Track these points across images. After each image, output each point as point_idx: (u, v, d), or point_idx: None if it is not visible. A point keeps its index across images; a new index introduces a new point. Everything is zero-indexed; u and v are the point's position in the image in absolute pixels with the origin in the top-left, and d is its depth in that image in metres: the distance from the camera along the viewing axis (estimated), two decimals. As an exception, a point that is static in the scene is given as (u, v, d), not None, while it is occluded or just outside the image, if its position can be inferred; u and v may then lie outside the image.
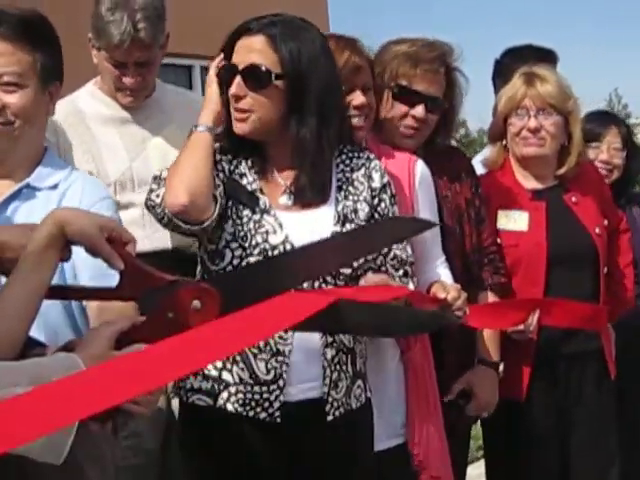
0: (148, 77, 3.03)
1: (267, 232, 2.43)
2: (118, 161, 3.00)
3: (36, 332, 1.99)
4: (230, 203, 2.45)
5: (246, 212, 2.44)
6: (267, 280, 1.95)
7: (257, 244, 2.41)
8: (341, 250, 2.14)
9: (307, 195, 2.48)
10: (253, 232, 2.43)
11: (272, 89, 2.38)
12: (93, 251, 1.87)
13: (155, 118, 3.12)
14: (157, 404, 1.89)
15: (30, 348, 1.88)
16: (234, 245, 2.43)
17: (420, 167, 2.82)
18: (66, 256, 1.91)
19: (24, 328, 1.84)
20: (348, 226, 2.48)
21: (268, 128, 2.43)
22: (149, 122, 3.09)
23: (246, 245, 2.41)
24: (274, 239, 2.42)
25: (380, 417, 2.65)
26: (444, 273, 2.81)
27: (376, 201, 2.55)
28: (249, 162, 2.51)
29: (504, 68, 3.97)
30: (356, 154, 2.58)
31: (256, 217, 2.43)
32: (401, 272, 2.58)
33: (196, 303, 1.79)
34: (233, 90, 2.39)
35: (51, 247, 1.85)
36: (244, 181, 2.49)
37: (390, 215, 2.56)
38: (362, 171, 2.56)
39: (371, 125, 2.81)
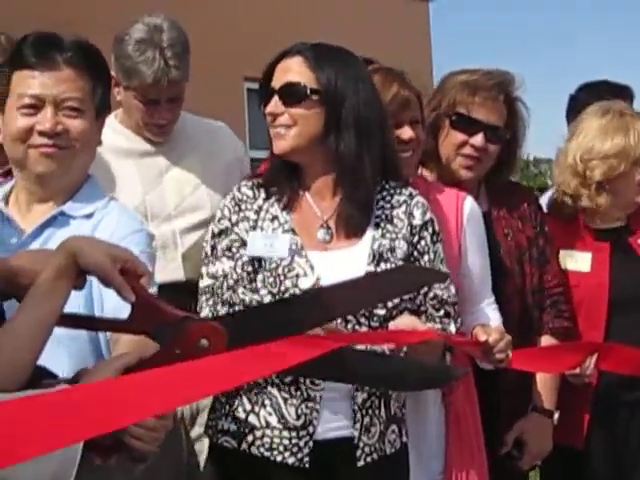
0: (177, 111, 3.06)
1: (297, 275, 2.41)
2: (132, 194, 2.99)
3: (63, 362, 2.03)
4: (256, 253, 2.44)
5: (274, 257, 2.42)
6: (276, 322, 1.94)
7: (287, 289, 2.39)
8: (350, 297, 2.09)
9: (345, 228, 2.45)
10: (282, 277, 2.42)
11: (309, 103, 2.40)
12: (105, 282, 1.87)
13: (174, 150, 3.14)
14: (159, 441, 1.84)
15: (41, 378, 1.89)
16: (264, 292, 2.41)
17: (469, 204, 2.77)
18: (80, 285, 1.91)
19: (30, 358, 1.84)
20: (383, 265, 2.44)
21: (308, 144, 2.43)
22: (168, 155, 3.10)
23: (275, 291, 2.39)
24: (304, 283, 2.40)
25: (418, 463, 2.60)
26: (492, 315, 2.75)
27: (416, 239, 2.50)
28: (284, 200, 2.48)
29: (579, 104, 3.88)
30: (398, 190, 2.55)
31: (286, 261, 2.42)
32: (442, 312, 2.52)
33: (203, 342, 1.80)
34: (270, 108, 2.42)
35: (62, 276, 1.85)
36: (275, 224, 2.47)
37: (431, 253, 2.51)
38: (403, 208, 2.52)
39: (419, 160, 2.79)
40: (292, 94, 2.41)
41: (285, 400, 2.38)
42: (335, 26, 9.43)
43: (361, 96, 2.44)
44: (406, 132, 2.64)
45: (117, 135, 3.15)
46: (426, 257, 2.50)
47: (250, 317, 2.08)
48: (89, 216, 2.37)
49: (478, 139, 2.83)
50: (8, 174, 2.85)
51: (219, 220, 2.53)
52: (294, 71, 2.43)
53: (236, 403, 2.47)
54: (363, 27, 9.48)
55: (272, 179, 2.51)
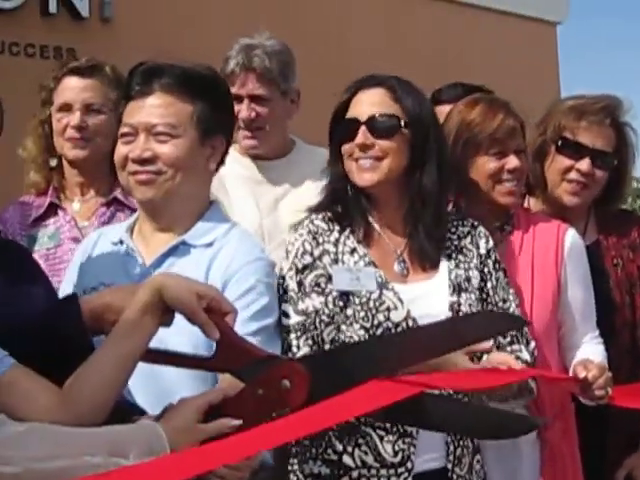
0: (263, 115, 3.07)
1: (388, 309, 2.41)
2: (250, 218, 3.00)
3: (186, 383, 2.06)
4: (345, 287, 2.44)
5: (363, 291, 2.42)
6: (357, 365, 1.92)
7: (380, 323, 2.39)
8: (430, 342, 2.08)
9: (421, 261, 2.46)
10: (374, 311, 2.41)
11: (399, 137, 2.41)
12: (190, 318, 1.88)
13: (289, 178, 3.15)
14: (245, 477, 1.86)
15: (131, 414, 1.94)
16: (356, 326, 2.41)
17: (570, 236, 2.72)
18: (167, 322, 1.92)
19: (111, 393, 1.86)
20: (464, 295, 2.45)
21: (394, 177, 2.44)
22: (282, 184, 3.12)
23: (368, 326, 2.39)
24: (396, 316, 2.40)
25: None
26: (595, 350, 2.67)
27: (483, 267, 2.51)
28: (359, 233, 2.48)
29: None
30: (461, 222, 2.56)
31: (375, 295, 2.42)
32: (509, 339, 2.48)
33: (285, 382, 1.79)
34: (360, 139, 2.41)
35: (147, 313, 1.87)
36: (355, 257, 2.48)
37: (493, 280, 2.50)
38: (469, 239, 2.53)
39: (522, 189, 2.77)
40: (383, 126, 2.41)
41: (381, 438, 2.37)
42: (461, 51, 9.37)
43: (439, 129, 2.48)
44: (512, 161, 2.64)
45: (234, 163, 3.20)
46: (489, 284, 2.50)
47: (332, 358, 2.08)
48: (209, 245, 2.37)
49: (584, 164, 2.78)
50: (111, 204, 2.97)
51: (302, 255, 2.50)
52: (380, 103, 2.43)
53: (324, 445, 2.44)
54: (491, 53, 9.25)
55: (346, 211, 2.51)
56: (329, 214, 2.53)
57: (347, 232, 2.50)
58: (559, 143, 2.84)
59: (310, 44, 7.23)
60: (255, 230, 3.00)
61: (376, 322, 2.40)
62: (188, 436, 1.75)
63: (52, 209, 3.06)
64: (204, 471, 1.63)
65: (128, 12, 7.04)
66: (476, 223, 2.59)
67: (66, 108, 2.97)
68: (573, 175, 2.82)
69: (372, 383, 1.80)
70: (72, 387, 1.84)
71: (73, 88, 2.97)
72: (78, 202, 3.05)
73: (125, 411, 1.93)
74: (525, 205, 2.99)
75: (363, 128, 2.43)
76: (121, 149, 2.36)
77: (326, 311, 2.44)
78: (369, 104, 2.46)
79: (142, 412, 2.00)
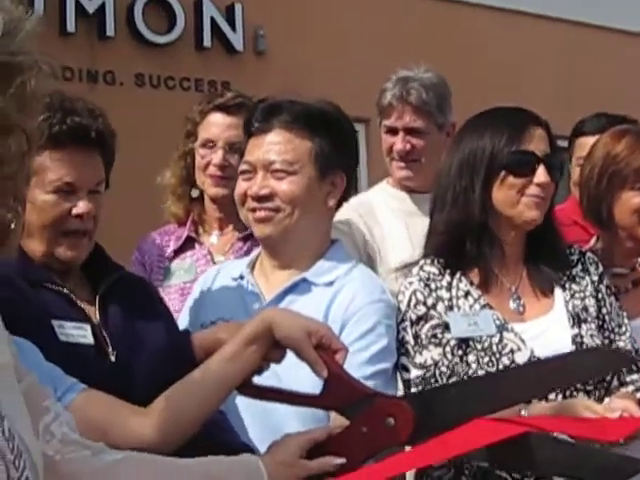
0: (418, 148, 3.10)
1: (512, 351, 2.38)
2: (401, 249, 2.99)
3: (291, 424, 2.09)
4: (463, 334, 2.43)
5: (482, 336, 2.40)
6: (460, 403, 1.92)
7: (505, 367, 2.38)
8: (538, 379, 2.04)
9: (536, 296, 2.43)
10: (498, 355, 2.39)
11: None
12: (299, 355, 1.88)
13: None
14: None
15: (236, 449, 1.96)
16: (481, 373, 2.38)
17: None
18: (277, 358, 1.93)
19: (195, 416, 1.88)
20: (584, 326, 2.41)
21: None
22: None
23: (494, 370, 2.38)
24: (520, 357, 2.37)
25: None
26: None
27: (597, 294, 2.48)
28: (471, 273, 2.45)
29: None
30: (569, 250, 2.54)
31: (495, 339, 2.39)
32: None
33: (390, 420, 1.79)
34: (542, 179, 2.39)
35: (252, 344, 1.88)
36: (470, 300, 2.45)
37: (608, 306, 2.47)
38: (580, 266, 2.51)
39: None
40: (561, 168, 2.45)
41: None
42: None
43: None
44: None
45: (386, 195, 3.27)
46: (604, 310, 2.48)
47: (437, 396, 2.07)
48: (330, 284, 2.39)
49: None
50: (248, 239, 3.00)
51: (415, 305, 2.47)
52: (548, 142, 2.44)
53: None
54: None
55: (467, 254, 2.46)
56: (440, 259, 2.50)
57: (459, 275, 2.48)
58: None
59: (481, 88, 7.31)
60: (407, 261, 3.03)
61: (501, 366, 2.38)
62: (290, 471, 1.75)
63: (190, 242, 3.14)
64: None
65: (280, 45, 7.23)
66: (583, 249, 2.58)
67: (210, 145, 3.04)
68: None
69: (476, 422, 1.80)
70: (166, 406, 1.88)
71: (218, 125, 3.05)
72: (216, 236, 3.12)
73: (236, 450, 1.96)
74: None
75: (542, 167, 2.40)
76: (241, 185, 2.41)
77: (445, 362, 2.42)
78: (544, 140, 2.42)
79: (253, 451, 2.02)
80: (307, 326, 1.88)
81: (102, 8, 6.86)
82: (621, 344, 2.48)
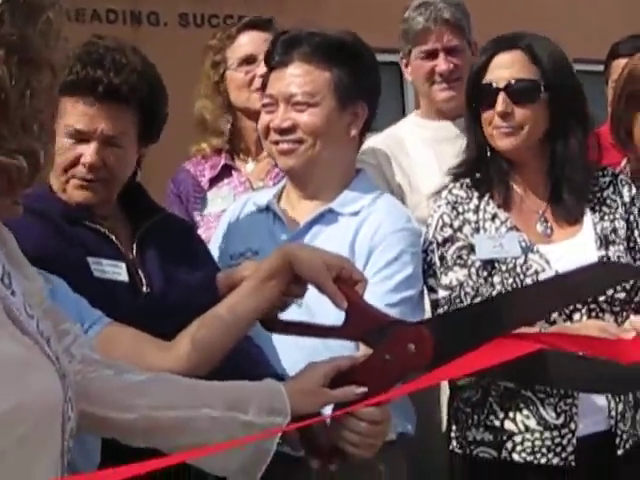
0: (460, 66, 3.12)
1: (536, 272, 2.45)
2: (432, 177, 3.00)
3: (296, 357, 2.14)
4: (489, 256, 2.46)
5: (508, 258, 2.44)
6: (480, 323, 1.95)
7: (517, 287, 2.44)
8: (550, 296, 2.06)
9: (565, 218, 2.48)
10: (522, 276, 2.45)
11: (540, 102, 2.44)
12: (319, 288, 1.92)
13: None
14: (375, 448, 1.87)
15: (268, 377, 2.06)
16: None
17: None
18: (300, 294, 1.98)
19: (220, 349, 1.95)
20: (612, 248, 2.48)
21: (535, 142, 2.48)
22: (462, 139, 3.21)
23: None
24: (544, 278, 2.44)
25: None
26: None
27: (629, 216, 2.52)
28: (499, 197, 2.50)
29: None
30: (602, 172, 2.57)
31: (521, 260, 2.45)
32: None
33: (411, 346, 1.81)
34: (500, 108, 2.44)
35: (272, 279, 1.92)
36: (497, 223, 2.51)
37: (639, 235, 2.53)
38: (611, 189, 2.55)
39: None
40: (523, 93, 2.44)
41: (542, 401, 2.42)
42: None
43: (579, 91, 2.47)
44: None
45: (415, 127, 3.31)
46: (636, 232, 2.52)
47: (455, 319, 2.11)
48: (356, 213, 2.45)
49: None
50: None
51: (441, 228, 2.56)
52: (518, 65, 2.45)
53: (486, 412, 2.51)
54: None
55: (486, 177, 2.53)
56: (468, 181, 2.57)
57: (487, 198, 2.54)
58: None
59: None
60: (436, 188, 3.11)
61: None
62: (312, 399, 1.79)
63: (226, 170, 3.18)
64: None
65: None
66: (616, 171, 2.60)
67: (250, 60, 3.07)
68: None
69: (495, 341, 1.84)
70: (188, 341, 1.94)
71: (255, 40, 3.09)
72: (252, 162, 3.16)
73: (264, 373, 2.01)
74: None
75: (502, 95, 2.45)
76: (264, 118, 2.46)
77: (470, 283, 2.49)
78: (506, 67, 2.47)
79: (279, 376, 2.08)
80: (326, 260, 1.92)
81: None
82: None
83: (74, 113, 2.21)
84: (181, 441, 1.69)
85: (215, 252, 2.54)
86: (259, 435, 1.68)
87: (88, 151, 2.22)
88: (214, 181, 3.17)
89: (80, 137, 2.22)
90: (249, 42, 3.09)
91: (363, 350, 1.94)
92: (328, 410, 1.82)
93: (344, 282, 1.89)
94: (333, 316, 1.95)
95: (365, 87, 2.47)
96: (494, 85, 2.48)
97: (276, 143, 2.42)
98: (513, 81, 2.46)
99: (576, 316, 2.42)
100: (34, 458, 1.42)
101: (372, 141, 3.25)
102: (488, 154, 2.54)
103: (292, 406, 1.73)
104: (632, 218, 2.55)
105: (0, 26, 1.39)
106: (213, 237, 2.69)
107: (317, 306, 2.03)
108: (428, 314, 2.57)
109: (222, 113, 3.23)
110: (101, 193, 2.29)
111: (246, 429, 1.69)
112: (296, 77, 2.39)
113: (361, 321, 1.89)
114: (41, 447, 1.43)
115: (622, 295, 2.43)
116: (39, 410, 1.41)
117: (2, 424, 1.36)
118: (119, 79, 2.23)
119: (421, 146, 3.22)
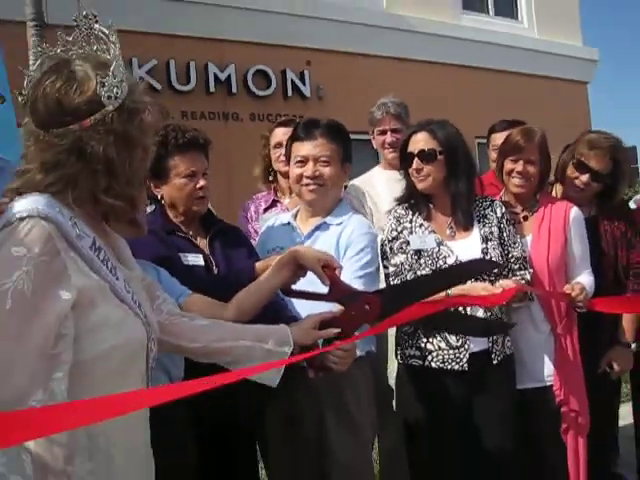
0: (399, 139, 3.30)
1: (445, 257, 2.61)
2: (388, 203, 3.10)
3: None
4: (417, 247, 2.66)
5: (428, 249, 2.64)
6: (410, 292, 2.12)
7: (441, 266, 2.59)
8: (443, 279, 2.30)
9: (462, 226, 2.69)
10: (436, 259, 2.62)
11: (438, 162, 2.65)
12: (313, 272, 2.01)
13: None
14: (347, 365, 2.04)
15: (288, 319, 2.09)
16: (427, 270, 2.61)
17: (574, 211, 2.92)
18: (303, 274, 2.07)
19: (258, 306, 2.07)
20: (490, 243, 2.63)
21: (438, 184, 2.68)
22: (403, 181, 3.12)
23: (434, 268, 2.61)
24: (450, 261, 2.60)
25: (533, 368, 2.78)
26: (585, 279, 2.84)
27: (500, 224, 2.74)
28: (424, 214, 2.71)
29: None
30: (484, 199, 2.77)
31: (435, 250, 2.62)
32: (517, 266, 2.71)
33: (367, 307, 1.93)
34: (415, 166, 2.66)
35: (284, 267, 2.04)
36: (422, 228, 2.70)
37: (507, 231, 2.72)
38: (490, 208, 2.73)
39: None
40: (427, 156, 2.66)
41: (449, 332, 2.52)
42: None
43: (465, 153, 2.70)
44: (519, 166, 2.90)
45: (380, 174, 3.67)
46: (505, 234, 2.72)
47: (394, 290, 2.28)
48: (339, 224, 2.54)
49: (584, 177, 3.06)
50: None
51: (390, 232, 2.73)
52: (424, 142, 2.67)
53: (416, 338, 2.67)
54: (529, 107, 8.46)
55: (416, 203, 2.76)
56: (406, 205, 2.77)
57: (417, 215, 2.72)
58: (574, 161, 3.07)
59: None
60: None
61: (438, 265, 2.59)
62: (307, 335, 1.88)
63: (274, 203, 3.41)
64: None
65: (335, 93, 7.75)
66: (492, 198, 2.77)
67: (279, 145, 3.33)
68: (577, 182, 3.08)
69: (417, 305, 2.00)
70: (237, 300, 2.08)
71: (284, 133, 3.26)
72: (288, 198, 3.36)
73: (289, 318, 2.19)
74: (553, 192, 3.20)
75: (416, 159, 2.66)
76: (295, 171, 2.56)
77: (406, 264, 2.65)
78: (417, 142, 2.69)
79: (296, 318, 2.19)
80: (316, 255, 2.03)
81: (228, 79, 7.45)
82: (515, 253, 2.70)
83: (186, 161, 2.40)
84: (228, 359, 1.78)
85: (259, 247, 2.70)
86: (280, 362, 1.79)
87: (201, 182, 2.42)
88: (266, 209, 3.44)
89: (192, 174, 2.42)
90: (280, 134, 3.36)
91: (339, 308, 1.99)
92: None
93: (328, 267, 2.00)
94: (322, 289, 2.03)
95: (350, 154, 2.64)
96: (411, 152, 2.70)
97: (307, 185, 2.52)
98: (421, 150, 2.67)
99: (468, 282, 2.61)
100: (127, 373, 1.52)
101: (354, 182, 3.59)
102: (416, 191, 2.70)
103: (296, 339, 1.84)
104: (502, 226, 2.73)
105: (111, 123, 1.48)
106: (258, 239, 2.83)
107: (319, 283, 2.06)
108: (382, 283, 2.70)
109: (266, 172, 3.54)
110: (206, 205, 2.49)
111: (267, 353, 1.79)
112: (321, 145, 2.51)
113: (338, 291, 1.99)
114: (131, 367, 1.53)
115: (495, 270, 2.65)
116: (128, 347, 1.51)
117: (107, 356, 1.47)
118: (203, 137, 2.45)
119: (382, 185, 3.48)
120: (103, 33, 1.57)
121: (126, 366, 1.49)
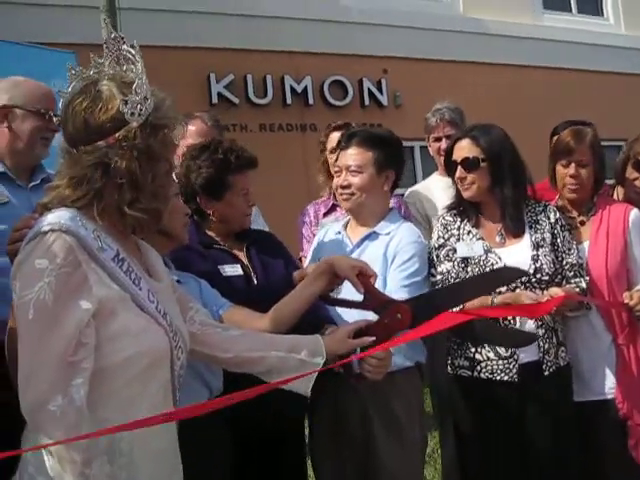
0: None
1: (492, 264, 2.55)
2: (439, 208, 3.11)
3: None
4: (464, 255, 2.62)
5: (475, 256, 2.59)
6: (439, 301, 2.09)
7: (467, 277, 2.54)
8: (472, 287, 2.25)
9: (511, 233, 2.62)
10: (483, 267, 2.56)
11: (481, 169, 2.61)
12: (348, 280, 2.02)
13: None
14: (382, 374, 2.03)
15: (325, 323, 2.17)
16: None
17: (633, 213, 2.80)
18: (339, 283, 2.09)
19: (295, 315, 2.08)
20: (540, 250, 2.56)
21: (482, 193, 2.64)
22: None
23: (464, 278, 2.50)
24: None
25: (593, 380, 2.69)
26: None
27: (553, 230, 2.65)
28: (472, 221, 2.68)
29: None
30: (537, 204, 2.69)
31: (483, 257, 2.59)
32: (572, 273, 2.61)
33: (398, 315, 1.93)
34: (458, 174, 2.64)
35: (320, 275, 2.08)
36: (470, 235, 2.65)
37: (561, 236, 2.64)
38: (542, 214, 2.65)
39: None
40: (469, 165, 2.63)
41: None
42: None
43: (510, 156, 2.65)
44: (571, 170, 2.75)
45: (437, 181, 3.60)
46: (558, 240, 2.62)
47: (425, 298, 2.24)
48: (388, 234, 2.55)
49: None
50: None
51: (437, 239, 2.70)
52: (467, 149, 2.63)
53: (464, 348, 2.62)
54: (617, 106, 8.23)
55: (464, 210, 2.72)
56: (454, 212, 2.75)
57: (465, 221, 2.69)
58: (632, 161, 2.95)
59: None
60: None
61: None
62: (342, 344, 1.89)
63: (333, 208, 3.45)
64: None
65: (413, 100, 7.61)
66: (547, 203, 2.69)
67: (334, 151, 3.30)
68: (638, 183, 2.94)
69: (446, 314, 1.97)
70: (275, 311, 2.08)
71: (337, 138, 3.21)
72: None
73: (324, 320, 2.23)
74: (615, 195, 3.07)
75: (459, 167, 2.63)
76: (335, 180, 2.65)
77: (453, 272, 2.62)
78: (460, 150, 2.66)
79: (334, 322, 2.24)
80: (351, 263, 2.05)
81: (305, 90, 7.54)
82: (570, 259, 2.61)
83: (243, 180, 2.48)
84: (260, 369, 1.80)
85: (310, 257, 2.74)
86: (312, 371, 1.79)
87: (251, 199, 2.51)
88: (326, 214, 3.50)
89: (247, 192, 2.50)
90: (335, 139, 3.35)
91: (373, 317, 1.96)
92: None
93: (364, 276, 2.00)
94: (357, 297, 2.05)
95: (393, 161, 2.63)
96: (455, 160, 2.68)
97: (341, 195, 2.59)
98: (463, 158, 2.63)
99: (517, 290, 2.54)
100: (148, 381, 1.55)
101: (414, 188, 3.59)
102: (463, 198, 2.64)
103: (329, 349, 1.84)
104: (556, 232, 2.65)
105: (134, 139, 1.52)
106: (311, 250, 2.85)
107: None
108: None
109: (327, 178, 3.54)
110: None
111: (300, 364, 1.79)
112: (352, 155, 2.55)
113: (372, 299, 1.99)
114: (152, 375, 1.56)
115: (546, 278, 2.56)
116: (148, 355, 1.53)
117: (128, 363, 1.50)
118: (254, 158, 2.50)
119: (439, 192, 3.43)
120: (130, 53, 1.63)
121: (147, 374, 1.52)
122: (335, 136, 3.37)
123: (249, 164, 2.43)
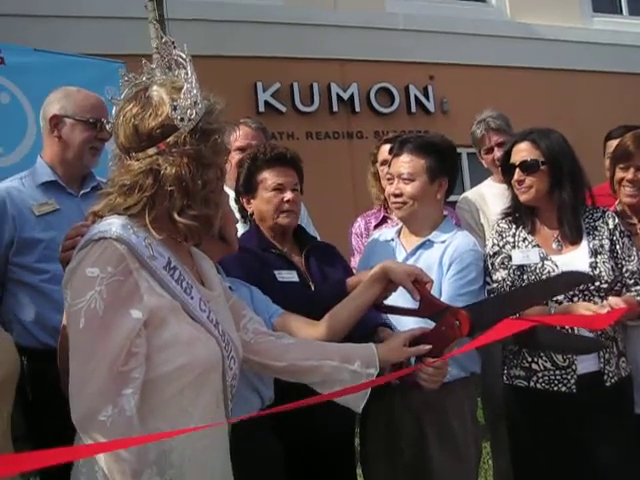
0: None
1: (549, 272, 2.48)
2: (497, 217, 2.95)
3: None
4: (519, 262, 2.55)
5: (531, 264, 2.52)
6: (498, 308, 2.04)
7: (527, 284, 2.46)
8: (531, 294, 2.17)
9: (569, 240, 2.55)
10: (540, 275, 2.49)
11: (540, 172, 2.54)
12: (403, 287, 1.98)
13: None
14: (438, 383, 1.98)
15: (380, 326, 2.14)
16: None
17: None
18: (394, 290, 2.05)
19: (349, 323, 2.04)
20: (599, 257, 2.48)
21: (541, 196, 2.57)
22: None
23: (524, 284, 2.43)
24: None
25: None
26: None
27: (612, 237, 2.55)
28: (528, 227, 2.59)
29: None
30: (595, 210, 2.60)
31: (539, 265, 2.52)
32: (632, 281, 2.51)
33: (456, 322, 1.87)
34: (516, 177, 2.56)
35: (375, 282, 2.04)
36: (526, 242, 2.58)
37: (620, 243, 2.56)
38: (600, 220, 2.57)
39: None
40: (529, 167, 2.55)
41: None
42: None
43: (570, 160, 2.58)
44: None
45: (491, 188, 3.55)
46: (617, 246, 2.55)
47: (484, 305, 2.20)
48: (443, 242, 2.50)
49: None
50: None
51: (492, 246, 2.65)
52: (526, 152, 2.56)
53: (520, 358, 2.57)
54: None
55: (520, 216, 2.65)
56: (509, 218, 2.68)
57: (520, 228, 2.62)
58: None
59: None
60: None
61: None
62: (396, 353, 1.84)
63: (384, 220, 3.41)
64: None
65: (460, 106, 7.53)
66: (604, 209, 2.60)
67: (385, 163, 3.25)
68: None
69: (506, 321, 1.90)
70: (329, 318, 2.05)
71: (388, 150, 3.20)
72: None
73: (378, 324, 2.21)
74: None
75: (517, 170, 2.57)
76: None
77: (509, 280, 2.56)
78: (519, 152, 2.59)
79: (390, 326, 2.22)
80: (406, 270, 2.01)
81: (351, 98, 7.50)
82: (630, 267, 2.52)
83: (274, 175, 2.44)
84: (313, 379, 1.76)
85: (362, 262, 2.71)
86: (367, 384, 1.74)
87: (288, 195, 2.45)
88: (377, 226, 3.45)
89: (280, 188, 2.45)
90: (385, 152, 3.34)
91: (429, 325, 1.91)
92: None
93: (419, 282, 1.97)
94: (412, 305, 2.02)
95: (446, 168, 2.57)
96: (513, 163, 2.60)
97: (393, 203, 2.54)
98: (522, 161, 2.56)
99: (575, 299, 2.46)
100: (199, 391, 1.52)
101: (466, 194, 3.51)
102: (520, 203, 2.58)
103: (384, 358, 1.79)
104: (614, 238, 2.56)
105: (184, 145, 1.49)
106: (362, 253, 2.83)
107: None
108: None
109: (379, 189, 3.50)
110: (295, 219, 2.50)
111: (353, 375, 1.74)
112: (404, 163, 2.50)
113: (428, 306, 1.96)
114: (204, 385, 1.52)
115: (605, 285, 2.47)
116: (200, 365, 1.50)
117: (179, 373, 1.48)
118: (292, 153, 2.50)
119: (493, 199, 3.36)
120: (181, 57, 1.60)
121: (198, 384, 1.50)
122: (386, 148, 3.34)
123: (277, 159, 2.42)
